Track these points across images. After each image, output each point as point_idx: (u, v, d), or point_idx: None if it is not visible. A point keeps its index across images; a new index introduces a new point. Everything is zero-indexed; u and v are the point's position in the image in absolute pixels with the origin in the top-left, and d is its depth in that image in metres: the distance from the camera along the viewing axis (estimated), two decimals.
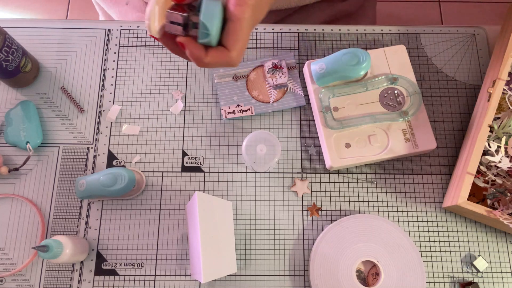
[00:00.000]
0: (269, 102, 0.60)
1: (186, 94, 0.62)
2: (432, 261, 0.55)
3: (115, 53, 0.63)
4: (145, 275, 0.54)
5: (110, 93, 0.61)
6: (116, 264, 0.55)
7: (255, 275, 0.54)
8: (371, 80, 0.58)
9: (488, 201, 0.54)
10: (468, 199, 0.50)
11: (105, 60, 0.63)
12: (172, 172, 0.58)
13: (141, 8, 0.73)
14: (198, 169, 0.58)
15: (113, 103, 0.61)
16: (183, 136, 0.60)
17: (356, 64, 0.56)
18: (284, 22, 0.74)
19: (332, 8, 0.77)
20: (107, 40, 0.64)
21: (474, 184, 0.51)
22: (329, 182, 0.58)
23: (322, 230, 0.56)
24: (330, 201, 0.57)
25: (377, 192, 0.58)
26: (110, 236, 0.56)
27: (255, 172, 0.58)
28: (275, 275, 0.54)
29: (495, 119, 0.54)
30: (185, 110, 0.61)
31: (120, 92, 0.61)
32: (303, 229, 0.56)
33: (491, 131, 0.53)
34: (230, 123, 0.60)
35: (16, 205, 0.57)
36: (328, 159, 0.56)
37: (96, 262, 0.55)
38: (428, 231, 0.56)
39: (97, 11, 0.85)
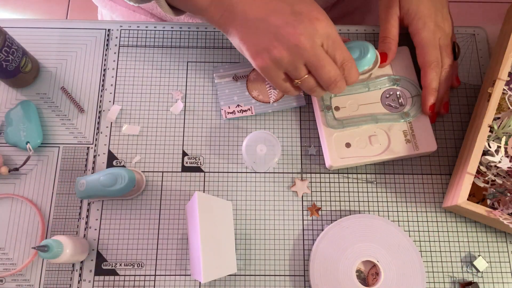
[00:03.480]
0: (269, 102, 0.60)
1: (186, 94, 0.62)
2: (432, 261, 0.55)
3: (115, 53, 0.63)
4: (145, 275, 0.54)
5: (110, 93, 0.61)
6: (116, 264, 0.55)
7: (255, 275, 0.54)
8: (373, 80, 0.58)
9: (488, 201, 0.54)
10: (468, 199, 0.50)
11: (105, 60, 0.63)
12: (172, 172, 0.58)
13: (147, 15, 0.73)
14: (198, 169, 0.58)
15: (113, 103, 0.61)
16: (183, 136, 0.60)
17: (358, 58, 0.54)
18: None
19: (339, 5, 0.77)
20: (107, 40, 0.64)
21: (474, 184, 0.51)
22: (329, 182, 0.58)
23: (322, 230, 0.56)
24: (330, 201, 0.57)
25: (377, 192, 0.58)
26: (110, 236, 0.56)
27: (255, 172, 0.58)
28: (275, 275, 0.54)
29: (495, 119, 0.54)
30: (185, 110, 0.61)
31: (120, 92, 0.61)
32: (303, 229, 0.56)
33: (491, 131, 0.53)
34: (230, 123, 0.60)
35: (16, 205, 0.57)
36: (328, 159, 0.56)
37: (96, 262, 0.55)
38: (428, 231, 0.56)
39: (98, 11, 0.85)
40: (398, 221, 0.57)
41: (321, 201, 0.57)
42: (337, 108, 0.58)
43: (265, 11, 0.48)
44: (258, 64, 0.50)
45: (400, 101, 0.58)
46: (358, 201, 0.57)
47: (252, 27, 0.48)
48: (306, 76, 0.50)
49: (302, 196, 0.57)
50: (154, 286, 0.54)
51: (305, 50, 0.47)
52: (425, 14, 0.57)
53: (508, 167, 0.50)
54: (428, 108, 0.56)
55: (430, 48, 0.56)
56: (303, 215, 0.57)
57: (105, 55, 0.63)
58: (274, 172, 0.58)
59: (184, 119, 0.61)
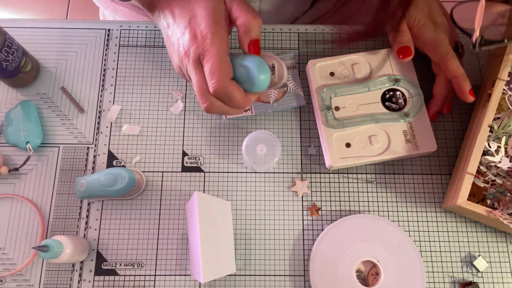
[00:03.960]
0: (269, 102, 0.60)
1: (186, 94, 0.62)
2: (432, 261, 0.55)
3: (115, 53, 0.63)
4: (145, 275, 0.54)
5: (110, 93, 0.61)
6: (116, 264, 0.55)
7: (255, 275, 0.54)
8: (373, 80, 0.58)
9: (488, 201, 0.54)
10: (468, 199, 0.50)
11: (105, 60, 0.63)
12: (172, 172, 0.58)
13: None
14: (198, 169, 0.58)
15: (113, 103, 0.61)
16: (183, 136, 0.60)
17: (248, 80, 0.46)
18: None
19: (342, 9, 0.78)
20: (107, 40, 0.64)
21: (474, 184, 0.51)
22: (329, 182, 0.58)
23: (322, 230, 0.56)
24: (330, 201, 0.57)
25: (377, 192, 0.58)
26: (110, 236, 0.56)
27: (255, 172, 0.58)
28: (275, 275, 0.54)
29: (495, 119, 0.54)
30: (185, 110, 0.61)
31: (120, 92, 0.61)
32: (303, 229, 0.56)
33: (491, 131, 0.53)
34: (230, 123, 0.60)
35: (16, 205, 0.57)
36: (328, 159, 0.56)
37: (96, 262, 0.55)
38: (428, 231, 0.56)
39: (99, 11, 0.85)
40: (398, 221, 0.57)
41: (321, 201, 0.57)
42: (337, 108, 0.58)
43: (173, 19, 0.49)
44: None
45: (400, 101, 0.58)
46: (358, 201, 0.57)
47: (165, 35, 0.51)
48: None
49: (302, 196, 0.57)
50: (154, 286, 0.54)
51: (184, 62, 0.48)
52: (422, 16, 0.57)
53: (508, 167, 0.50)
54: (468, 93, 0.55)
55: (439, 42, 0.56)
56: (303, 215, 0.57)
57: (105, 55, 0.63)
58: (274, 172, 0.58)
59: (184, 119, 0.61)
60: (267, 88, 0.48)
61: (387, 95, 0.58)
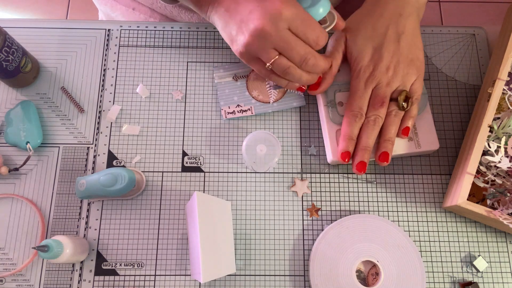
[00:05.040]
0: (269, 102, 0.60)
1: (186, 94, 0.62)
2: (432, 261, 0.55)
3: (115, 53, 0.63)
4: (145, 275, 0.54)
5: (110, 93, 0.61)
6: (116, 264, 0.55)
7: (255, 275, 0.54)
8: None
9: (488, 201, 0.54)
10: (468, 199, 0.50)
11: (105, 60, 0.63)
12: (172, 172, 0.58)
13: (147, 12, 0.73)
14: (198, 169, 0.58)
15: (113, 103, 0.61)
16: (183, 136, 0.60)
17: (310, 5, 0.51)
18: None
19: (348, 8, 0.78)
20: (107, 40, 0.64)
21: (474, 184, 0.51)
22: (329, 182, 0.58)
23: (322, 230, 0.56)
24: (330, 201, 0.57)
25: (377, 192, 0.58)
26: (110, 236, 0.56)
27: (255, 172, 0.58)
28: (275, 275, 0.54)
29: (495, 119, 0.54)
30: (185, 110, 0.61)
31: (120, 92, 0.61)
32: (303, 229, 0.56)
33: (491, 131, 0.53)
34: (230, 123, 0.60)
35: (16, 205, 0.57)
36: (330, 153, 0.56)
37: (96, 262, 0.55)
38: (428, 231, 0.56)
39: (99, 12, 0.85)
40: (398, 221, 0.57)
41: (321, 201, 0.57)
42: (340, 104, 0.58)
43: (236, 1, 0.50)
44: (235, 51, 0.53)
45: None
46: (358, 201, 0.57)
47: (226, 17, 0.51)
48: (276, 57, 0.50)
49: (302, 196, 0.57)
50: (154, 286, 0.54)
51: (270, 35, 0.48)
52: (365, 58, 0.55)
53: (508, 167, 0.50)
54: (339, 155, 0.54)
55: (354, 97, 0.55)
56: (303, 215, 0.57)
57: (105, 55, 0.63)
58: (274, 172, 0.58)
59: (184, 119, 0.61)
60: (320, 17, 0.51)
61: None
